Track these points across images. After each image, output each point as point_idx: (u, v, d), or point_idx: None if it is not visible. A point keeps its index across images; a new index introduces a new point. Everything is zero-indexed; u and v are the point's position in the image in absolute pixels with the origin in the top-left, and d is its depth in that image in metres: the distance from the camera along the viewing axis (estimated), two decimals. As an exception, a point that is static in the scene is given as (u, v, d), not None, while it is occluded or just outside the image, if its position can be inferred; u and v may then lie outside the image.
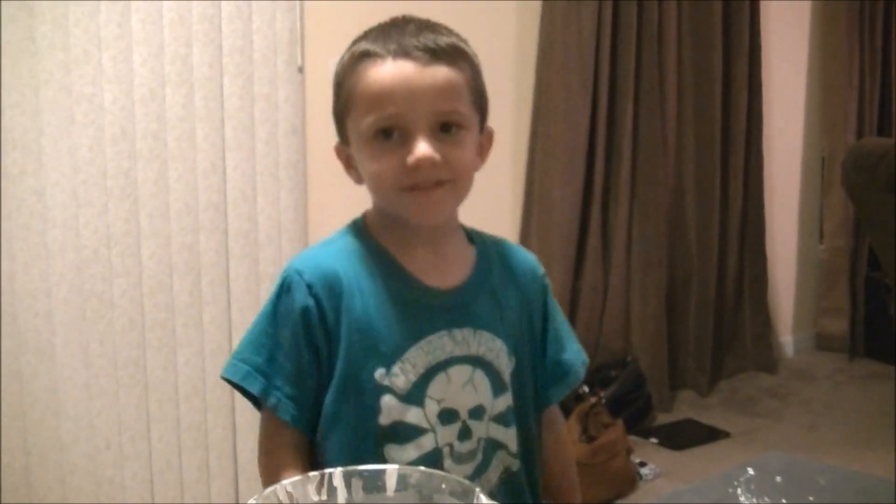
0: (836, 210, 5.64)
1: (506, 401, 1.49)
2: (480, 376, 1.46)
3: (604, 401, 4.10)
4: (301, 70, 3.45)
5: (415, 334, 1.42)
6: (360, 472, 1.03)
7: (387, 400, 1.40)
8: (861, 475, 1.51)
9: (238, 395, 1.50)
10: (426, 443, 1.41)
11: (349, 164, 1.48)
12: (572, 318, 4.46)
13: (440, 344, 1.43)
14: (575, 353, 1.62)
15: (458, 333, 1.45)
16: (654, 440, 4.30)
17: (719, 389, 5.11)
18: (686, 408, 4.81)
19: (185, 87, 3.16)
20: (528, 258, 1.62)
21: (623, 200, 4.54)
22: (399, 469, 1.03)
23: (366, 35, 1.43)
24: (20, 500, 3.01)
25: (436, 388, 1.42)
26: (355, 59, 1.41)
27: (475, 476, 1.44)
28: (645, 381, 4.52)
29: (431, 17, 1.47)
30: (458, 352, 1.44)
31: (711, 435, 4.41)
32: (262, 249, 3.37)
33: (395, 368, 1.40)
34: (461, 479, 1.00)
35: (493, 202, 4.16)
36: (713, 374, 5.13)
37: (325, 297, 1.40)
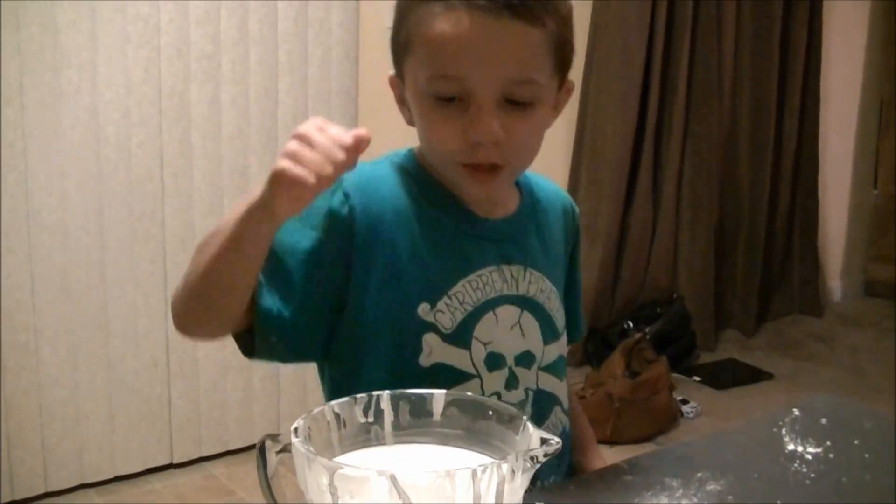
0: (892, 155, 5.56)
1: (558, 349, 1.38)
2: (529, 319, 1.34)
3: (648, 337, 4.10)
4: (356, -5, 3.43)
5: (464, 267, 1.29)
6: (408, 396, 1.03)
7: (429, 339, 1.26)
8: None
9: None
10: (471, 390, 1.27)
11: (402, 101, 1.30)
12: (619, 254, 4.45)
13: (490, 280, 1.30)
14: (581, 311, 1.54)
15: (508, 270, 1.32)
16: (696, 378, 4.29)
17: (764, 331, 5.09)
18: (730, 348, 4.80)
19: (240, 9, 3.15)
20: (561, 194, 1.49)
21: (676, 137, 4.49)
22: (447, 394, 1.03)
23: None
24: (66, 413, 3.06)
25: (483, 328, 1.29)
26: None
27: None
28: (690, 319, 4.51)
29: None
30: (506, 290, 1.32)
31: (754, 376, 4.40)
32: (312, 175, 3.37)
33: (441, 304, 1.26)
34: (508, 406, 1.01)
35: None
36: (759, 316, 5.10)
37: (360, 211, 1.24)
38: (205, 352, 3.32)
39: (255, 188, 1.06)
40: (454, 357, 1.27)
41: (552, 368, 1.36)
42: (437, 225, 1.29)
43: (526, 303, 1.34)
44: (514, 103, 1.20)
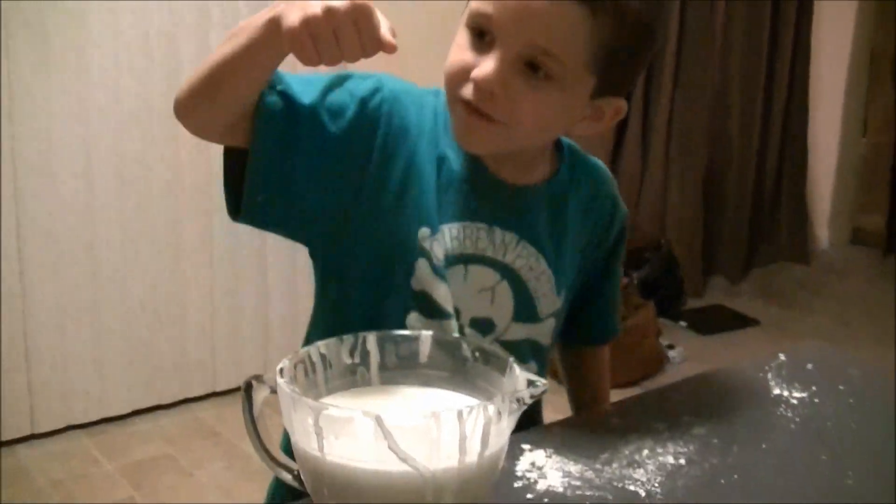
0: (882, 106, 5.55)
1: (529, 331, 1.32)
2: (505, 289, 1.29)
3: (635, 282, 4.10)
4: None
5: (453, 213, 1.26)
6: (395, 337, 1.03)
7: (421, 264, 1.24)
8: (893, 369, 1.50)
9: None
10: (449, 328, 1.26)
11: None
12: (608, 200, 4.44)
13: (475, 235, 1.27)
14: (616, 313, 1.52)
15: (500, 234, 1.28)
16: (683, 324, 4.32)
17: (751, 278, 5.11)
18: (717, 294, 4.82)
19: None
20: (612, 196, 1.42)
21: (665, 86, 4.48)
22: (433, 335, 1.03)
23: None
24: (54, 355, 3.06)
25: (451, 279, 1.26)
26: None
27: None
28: (677, 264, 4.52)
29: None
30: (490, 252, 1.28)
31: (741, 322, 4.43)
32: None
33: (438, 235, 1.24)
34: (496, 349, 1.01)
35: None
36: (746, 262, 5.12)
37: (389, 113, 1.23)
38: (193, 296, 3.31)
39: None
40: (436, 290, 1.25)
41: (513, 347, 1.29)
42: (446, 162, 1.27)
43: (508, 273, 1.29)
44: (534, 69, 1.15)
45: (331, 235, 1.28)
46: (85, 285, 3.08)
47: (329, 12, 0.99)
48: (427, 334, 1.03)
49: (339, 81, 1.22)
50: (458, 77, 1.18)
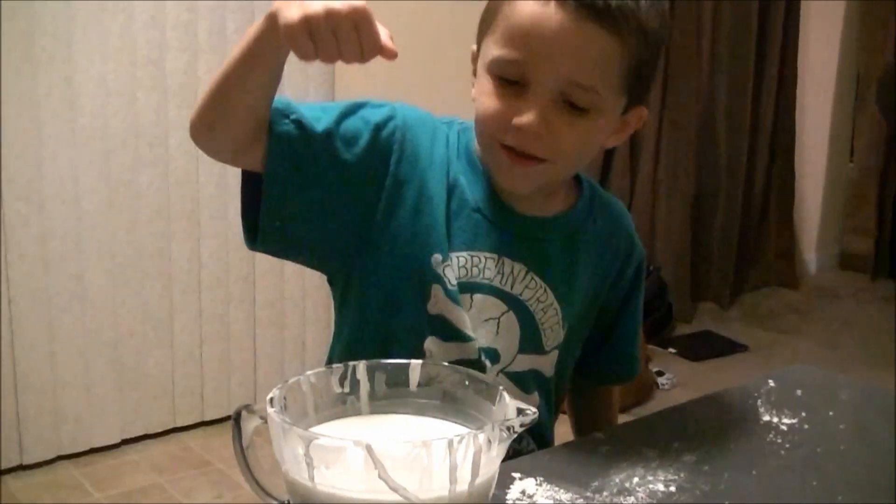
0: (869, 128, 5.57)
1: (534, 363, 1.33)
2: (511, 320, 1.30)
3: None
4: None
5: (462, 241, 1.27)
6: (384, 366, 1.03)
7: (436, 289, 1.25)
8: (883, 392, 1.50)
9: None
10: (468, 352, 1.28)
11: (476, 76, 1.28)
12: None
13: (482, 264, 1.28)
14: (637, 354, 1.53)
15: (509, 264, 1.29)
16: (672, 350, 4.31)
17: (740, 303, 5.11)
18: (706, 319, 4.82)
19: (216, -23, 3.13)
20: (630, 235, 1.43)
21: (653, 109, 4.49)
22: (423, 364, 1.03)
23: None
24: (43, 384, 3.05)
25: (462, 306, 1.28)
26: None
27: None
28: (666, 290, 4.52)
29: None
30: (498, 282, 1.29)
31: (730, 348, 4.43)
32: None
33: (450, 260, 1.26)
34: (485, 377, 1.01)
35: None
36: (735, 288, 5.12)
37: (402, 139, 1.25)
38: (181, 323, 3.30)
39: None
40: (454, 314, 1.26)
41: (517, 378, 1.32)
42: (458, 191, 1.28)
43: (515, 304, 1.30)
44: (571, 105, 1.18)
45: (346, 262, 1.29)
46: (74, 312, 3.07)
47: (330, 12, 1.00)
48: (417, 363, 1.03)
49: (354, 109, 1.24)
50: (497, 125, 1.20)
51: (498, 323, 1.29)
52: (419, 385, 1.02)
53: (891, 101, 5.31)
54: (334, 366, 1.01)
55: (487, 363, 1.29)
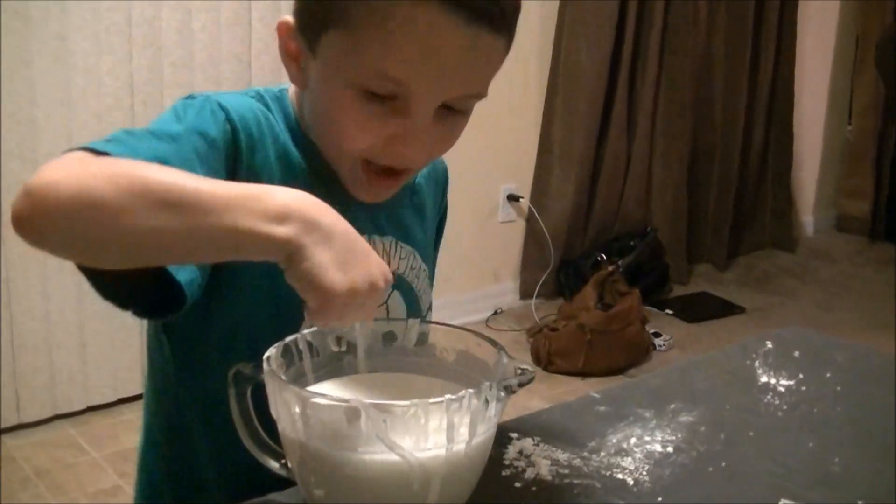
0: (867, 91, 5.55)
1: None
2: (397, 300, 1.21)
3: (621, 269, 4.10)
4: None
5: None
6: (382, 325, 1.03)
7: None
8: (879, 354, 1.50)
9: None
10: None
11: (294, 58, 1.10)
12: (593, 185, 4.44)
13: None
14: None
15: (381, 242, 1.19)
16: (669, 311, 4.32)
17: (736, 265, 5.12)
18: (702, 281, 4.82)
19: (211, -66, 3.10)
20: (438, 162, 1.33)
21: (651, 69, 4.47)
22: (420, 323, 1.03)
23: None
24: (38, 346, 3.05)
25: None
26: None
27: None
28: (663, 251, 4.52)
29: None
30: None
31: (726, 309, 4.43)
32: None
33: None
34: (483, 336, 1.00)
35: (517, 67, 4.10)
36: (731, 249, 5.12)
37: (243, 140, 1.07)
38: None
39: (270, 198, 0.85)
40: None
41: None
42: (306, 180, 1.12)
43: (397, 281, 1.18)
44: (448, 109, 1.06)
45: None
46: (68, 271, 3.06)
47: (373, 286, 0.89)
48: (414, 321, 1.03)
49: (185, 126, 1.03)
50: (366, 148, 1.06)
51: (387, 307, 1.20)
52: (416, 344, 1.02)
53: (889, 64, 5.28)
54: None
55: None
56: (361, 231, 1.00)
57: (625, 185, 4.57)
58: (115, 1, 2.97)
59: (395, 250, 1.21)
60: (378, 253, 1.05)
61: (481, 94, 1.07)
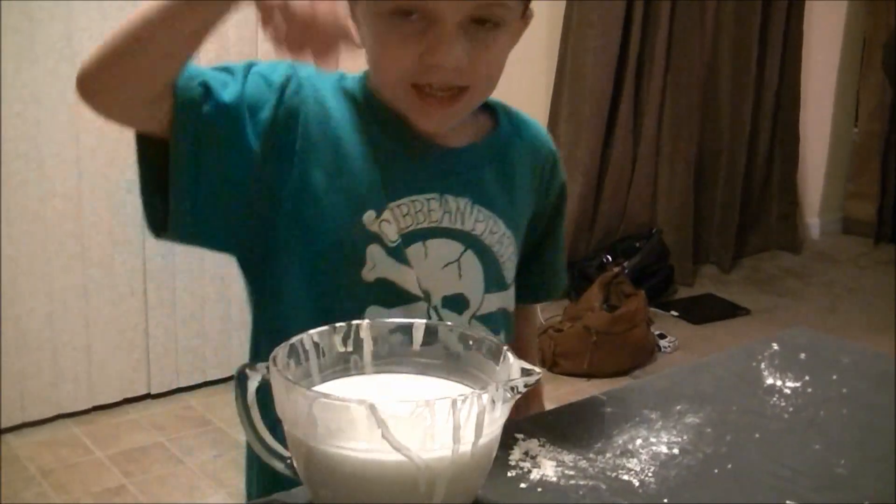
0: (874, 93, 5.55)
1: (501, 301, 1.26)
2: (472, 260, 1.21)
3: (626, 271, 4.10)
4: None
5: (398, 189, 1.17)
6: (388, 325, 1.02)
7: (373, 250, 1.15)
8: (885, 357, 1.50)
9: None
10: (416, 313, 1.17)
11: (355, 19, 1.14)
12: (599, 186, 4.44)
13: (426, 207, 1.18)
14: (564, 267, 1.47)
15: (453, 202, 1.20)
16: (674, 313, 4.32)
17: (742, 266, 5.11)
18: (707, 283, 4.82)
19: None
20: (549, 143, 1.36)
21: (657, 71, 4.47)
22: (427, 323, 1.02)
23: None
24: (43, 345, 3.05)
25: (412, 259, 1.18)
26: None
27: None
28: (668, 253, 4.52)
29: None
30: (447, 222, 1.19)
31: (731, 311, 4.43)
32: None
33: (387, 213, 1.16)
34: (491, 337, 1.00)
35: (524, 67, 4.09)
36: (736, 251, 5.12)
37: (311, 99, 1.16)
38: (183, 282, 3.30)
39: None
40: (397, 274, 1.17)
41: (489, 320, 1.24)
42: (375, 140, 1.18)
43: (471, 241, 1.21)
44: (479, 23, 1.09)
45: (260, 243, 1.17)
46: (74, 271, 3.07)
47: (333, 14, 0.93)
48: (421, 322, 1.02)
49: (255, 71, 1.15)
50: (408, 70, 1.10)
51: (459, 266, 1.21)
52: (423, 344, 1.02)
53: (896, 65, 5.28)
54: (337, 325, 1.00)
55: (450, 313, 1.22)
56: (434, 189, 1.17)
57: (630, 187, 4.57)
58: (122, 1, 2.97)
59: (471, 211, 1.21)
60: (450, 211, 1.18)
61: (505, 4, 1.10)
